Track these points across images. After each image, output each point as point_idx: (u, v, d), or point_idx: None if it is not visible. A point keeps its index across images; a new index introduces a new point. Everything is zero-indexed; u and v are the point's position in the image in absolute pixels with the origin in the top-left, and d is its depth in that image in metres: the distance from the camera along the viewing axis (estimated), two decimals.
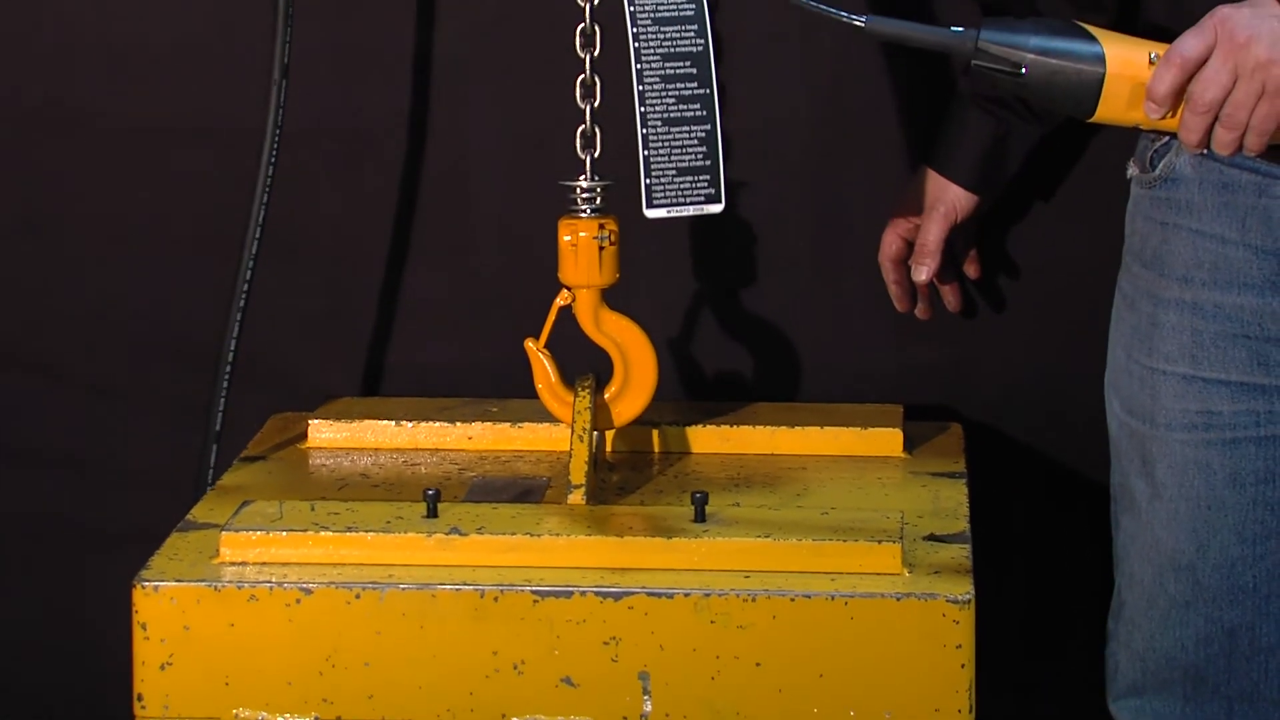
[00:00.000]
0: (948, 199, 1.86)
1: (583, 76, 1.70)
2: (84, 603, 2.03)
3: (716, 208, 1.68)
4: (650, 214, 1.65)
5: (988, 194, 1.87)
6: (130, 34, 1.99)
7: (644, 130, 1.65)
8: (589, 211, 1.69)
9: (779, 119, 1.97)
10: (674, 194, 1.67)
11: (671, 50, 1.66)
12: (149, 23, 1.98)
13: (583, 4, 1.68)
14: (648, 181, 1.66)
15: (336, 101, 1.97)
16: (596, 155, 1.67)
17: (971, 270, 1.94)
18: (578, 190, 1.70)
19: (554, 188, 1.71)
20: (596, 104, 1.67)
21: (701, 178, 1.67)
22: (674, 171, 1.67)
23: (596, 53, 1.67)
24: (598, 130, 1.66)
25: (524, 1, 1.92)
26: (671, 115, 1.66)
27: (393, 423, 1.82)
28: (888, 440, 1.79)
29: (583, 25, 1.69)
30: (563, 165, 1.72)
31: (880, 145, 1.96)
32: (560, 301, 1.72)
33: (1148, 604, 1.68)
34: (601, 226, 1.68)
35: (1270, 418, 1.64)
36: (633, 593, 1.46)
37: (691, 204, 1.67)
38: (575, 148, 1.69)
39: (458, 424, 1.81)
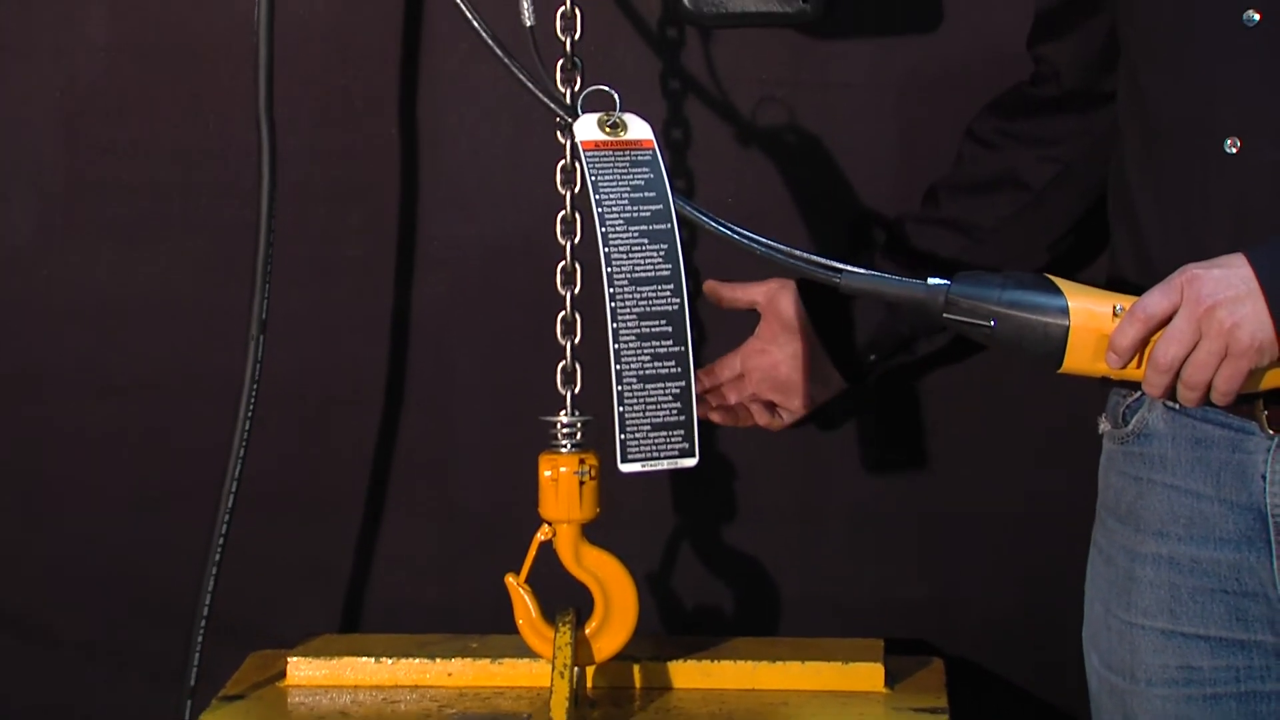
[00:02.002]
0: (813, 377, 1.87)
1: (563, 314, 1.73)
2: None
3: (690, 462, 1.68)
4: (624, 469, 1.66)
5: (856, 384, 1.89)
6: (110, 289, 2.03)
7: (619, 387, 1.67)
8: (569, 447, 1.70)
9: None
10: (648, 449, 1.68)
11: (647, 309, 1.69)
12: (130, 278, 2.03)
13: (563, 241, 1.72)
14: (622, 437, 1.66)
15: (315, 355, 2.00)
16: (577, 391, 1.69)
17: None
18: (558, 426, 1.71)
19: (535, 423, 1.73)
20: (577, 340, 1.69)
21: (675, 433, 1.68)
22: (648, 427, 1.68)
23: (577, 290, 1.70)
24: (578, 366, 1.69)
25: (505, 246, 1.98)
26: (646, 372, 1.68)
27: (372, 659, 1.82)
28: (869, 675, 1.78)
29: (563, 264, 1.73)
30: (544, 401, 1.73)
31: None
32: (541, 536, 1.73)
33: None
34: (582, 461, 1.69)
35: (1250, 673, 1.64)
36: None
37: (665, 458, 1.68)
38: (556, 383, 1.72)
39: (438, 660, 1.81)
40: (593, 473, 1.73)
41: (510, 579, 1.72)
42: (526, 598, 1.72)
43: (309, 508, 2.05)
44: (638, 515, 1.97)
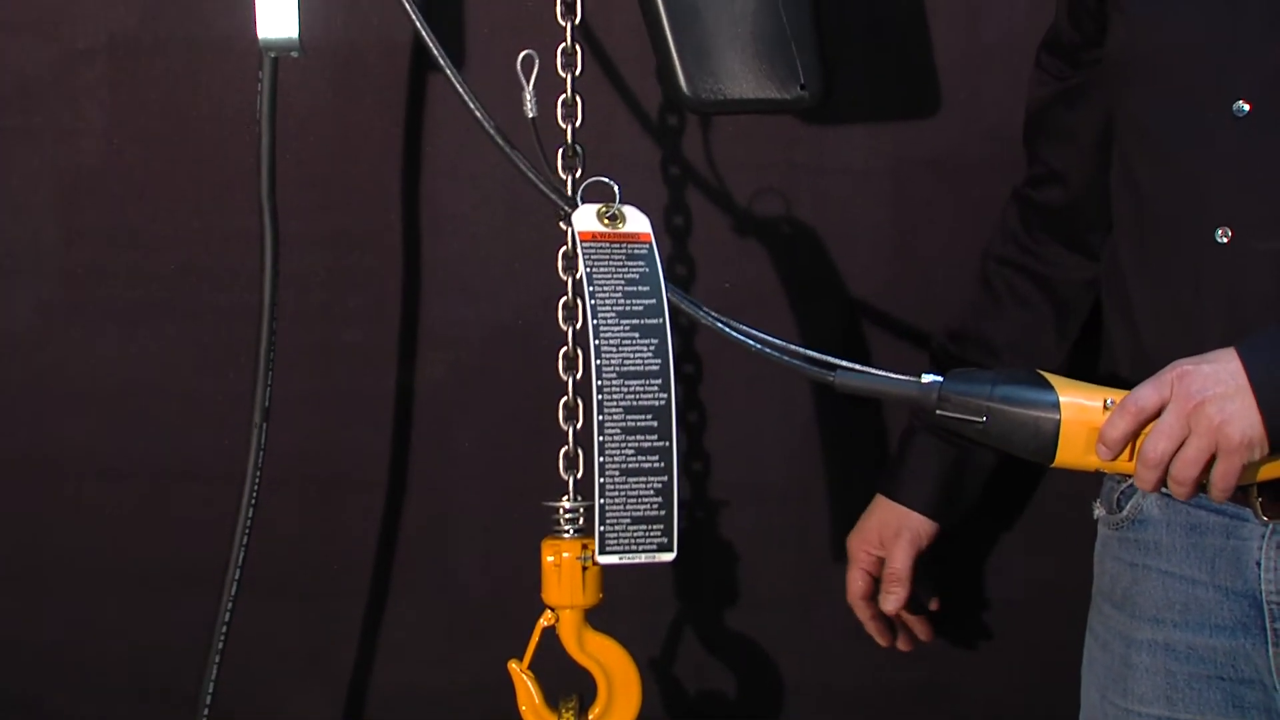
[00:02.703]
0: (911, 526, 1.89)
1: (565, 399, 1.73)
2: None
3: (668, 556, 1.69)
4: (601, 560, 1.68)
5: (948, 519, 1.90)
6: (112, 374, 2.02)
7: (601, 479, 1.68)
8: (572, 532, 1.70)
9: (761, 449, 2.02)
10: (627, 542, 1.69)
11: (635, 403, 1.69)
12: (132, 362, 2.02)
13: (564, 327, 1.72)
14: (601, 529, 1.67)
15: (317, 438, 2.01)
16: (579, 476, 1.69)
17: (935, 604, 1.96)
18: (561, 511, 1.72)
19: (537, 507, 1.73)
20: (579, 425, 1.69)
21: (655, 527, 1.69)
22: (628, 520, 1.68)
23: (579, 375, 1.70)
24: (580, 451, 1.69)
25: (504, 329, 2.00)
26: (630, 466, 1.68)
27: None
28: None
29: (565, 349, 1.73)
30: (546, 485, 1.73)
31: (855, 477, 2.00)
32: (544, 622, 1.72)
33: None
34: (584, 547, 1.69)
35: None
36: None
37: (644, 552, 1.69)
38: (558, 467, 1.72)
39: None
40: (592, 560, 1.71)
41: (513, 665, 1.72)
42: (530, 684, 1.72)
43: (311, 593, 2.05)
44: (639, 601, 1.96)
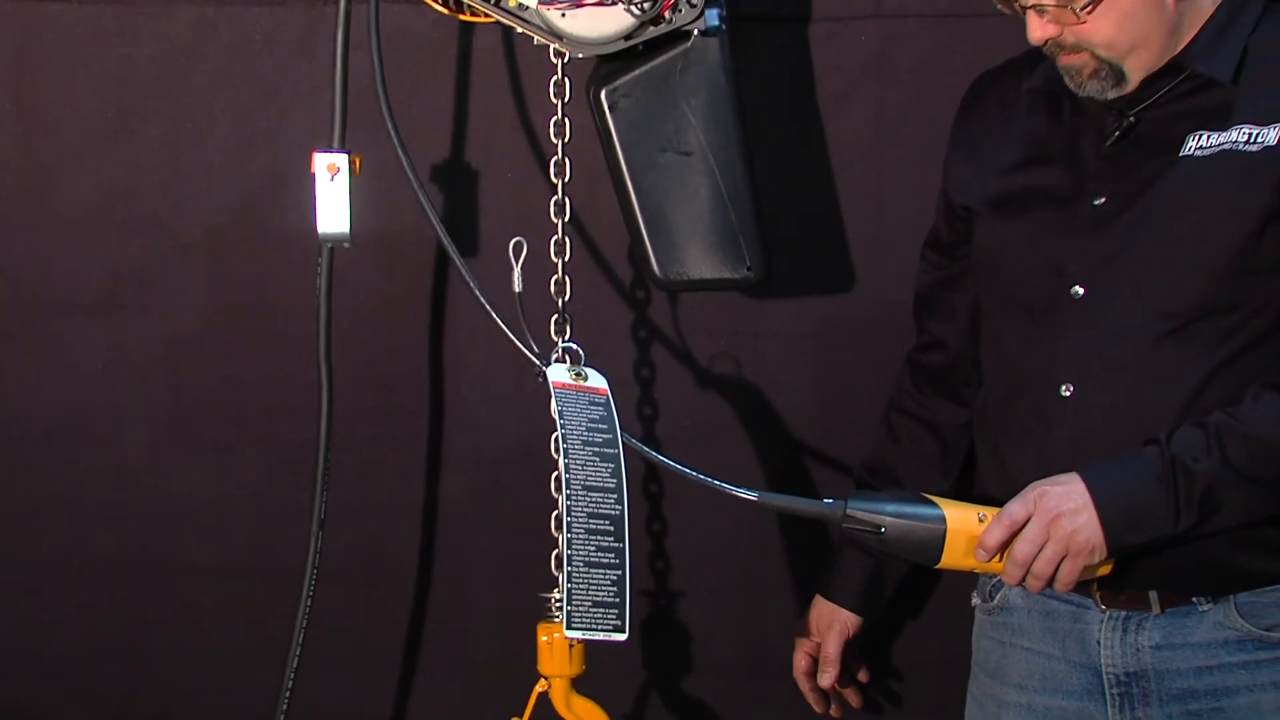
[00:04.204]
0: (841, 619, 2.07)
1: (555, 512, 1.92)
2: None
3: (621, 637, 1.80)
4: (569, 634, 1.80)
5: (870, 613, 2.08)
6: (204, 495, 2.17)
7: (569, 568, 1.80)
8: (562, 617, 1.81)
9: (714, 552, 2.19)
10: (589, 620, 1.80)
11: (595, 511, 1.80)
12: (219, 486, 2.17)
13: (555, 456, 1.84)
14: (569, 609, 1.79)
15: (359, 542, 2.16)
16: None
17: (863, 676, 2.14)
18: (552, 601, 1.92)
19: (535, 598, 1.93)
20: (568, 534, 1.80)
21: (611, 611, 1.80)
22: (590, 603, 1.80)
23: (565, 507, 1.81)
24: (568, 553, 1.80)
25: (510, 455, 2.16)
26: (591, 560, 1.79)
27: None
28: None
29: (556, 474, 1.88)
30: (542, 579, 1.93)
31: (794, 576, 2.18)
32: (539, 688, 1.92)
33: None
34: None
35: None
36: None
37: (601, 631, 1.80)
38: (551, 566, 1.94)
39: None
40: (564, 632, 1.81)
41: None
42: None
43: (355, 666, 2.20)
44: (615, 671, 2.11)
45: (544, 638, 1.92)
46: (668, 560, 2.20)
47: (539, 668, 1.93)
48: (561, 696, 1.93)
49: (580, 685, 1.95)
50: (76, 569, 2.17)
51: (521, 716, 1.93)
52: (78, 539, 2.18)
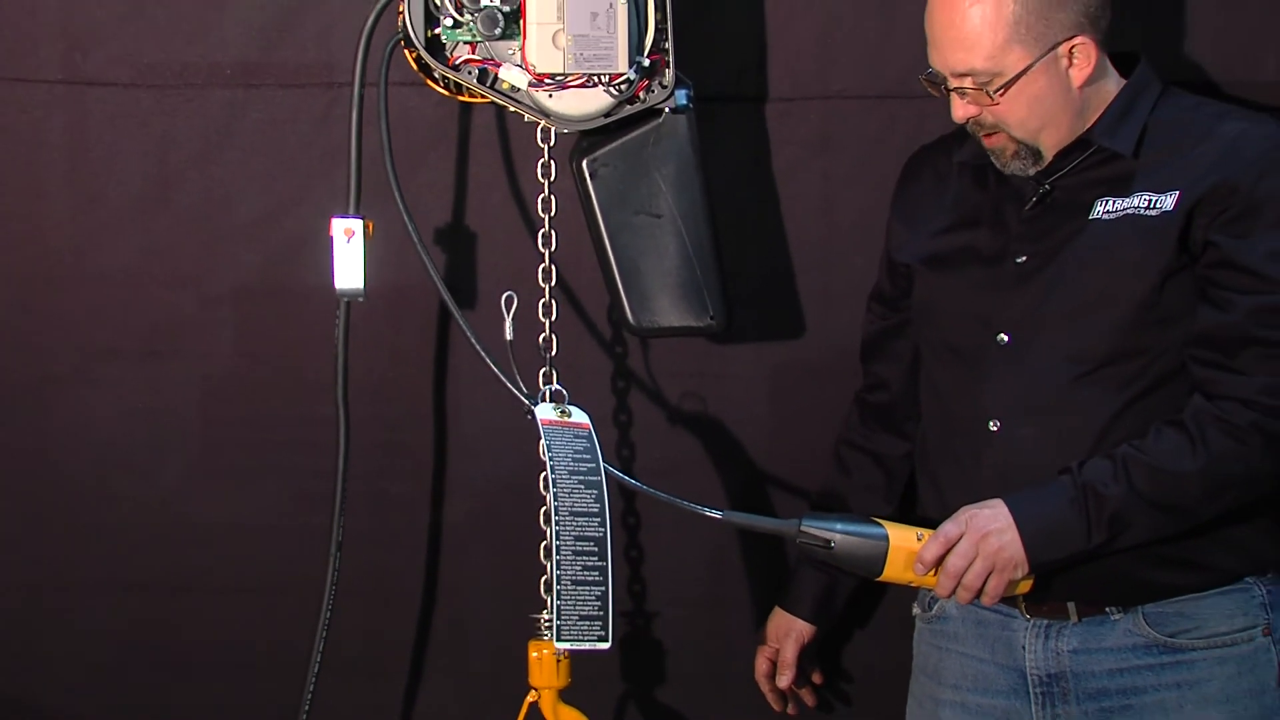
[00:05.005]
0: (797, 628, 2.21)
1: (544, 541, 2.03)
2: None
3: (605, 646, 1.90)
4: (558, 645, 1.91)
5: (824, 623, 2.22)
6: (233, 521, 2.25)
7: (558, 586, 1.89)
8: (549, 635, 1.98)
9: (685, 575, 2.30)
10: (577, 632, 1.90)
11: (580, 533, 1.90)
12: (246, 513, 2.25)
13: (543, 491, 1.96)
14: (558, 623, 1.90)
15: (370, 563, 2.24)
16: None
17: (816, 678, 2.28)
18: (541, 620, 2.04)
19: (527, 618, 2.06)
20: (556, 559, 1.91)
21: (595, 623, 1.89)
22: (577, 617, 1.90)
23: (553, 531, 1.92)
24: (557, 576, 1.92)
25: (505, 484, 2.23)
26: (577, 578, 1.89)
27: None
28: None
29: (545, 507, 2.00)
30: (533, 600, 2.05)
31: (754, 593, 2.31)
32: (530, 698, 2.05)
33: None
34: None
35: None
36: None
37: (588, 641, 1.90)
38: (540, 589, 2.05)
39: None
40: (566, 653, 2.01)
41: None
42: None
43: (366, 674, 2.30)
44: (596, 683, 2.24)
45: (534, 654, 2.05)
46: (644, 583, 2.33)
47: (529, 680, 2.05)
48: (550, 706, 2.06)
49: (567, 695, 2.06)
50: (122, 588, 2.29)
51: None
52: (121, 561, 2.31)
